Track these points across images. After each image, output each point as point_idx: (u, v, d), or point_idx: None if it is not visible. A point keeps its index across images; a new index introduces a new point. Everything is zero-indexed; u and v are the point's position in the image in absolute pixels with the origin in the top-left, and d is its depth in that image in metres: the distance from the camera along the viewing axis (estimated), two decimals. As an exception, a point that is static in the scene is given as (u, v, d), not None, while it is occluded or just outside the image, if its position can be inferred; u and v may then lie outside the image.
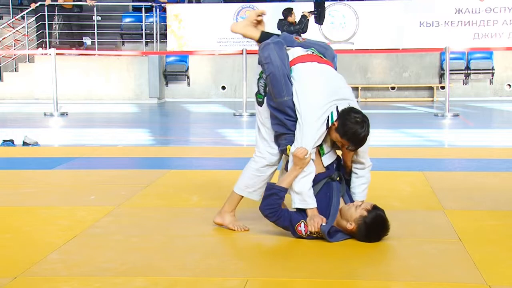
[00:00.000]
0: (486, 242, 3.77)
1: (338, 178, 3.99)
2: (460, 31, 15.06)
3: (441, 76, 15.12)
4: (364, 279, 3.22)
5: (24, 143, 8.08)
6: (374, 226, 3.76)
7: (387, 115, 12.53)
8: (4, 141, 8.11)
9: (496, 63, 15.27)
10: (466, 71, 15.35)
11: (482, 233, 3.95)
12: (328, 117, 3.81)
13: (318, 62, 3.94)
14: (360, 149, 3.97)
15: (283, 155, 4.04)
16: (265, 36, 4.04)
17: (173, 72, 15.97)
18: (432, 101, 15.08)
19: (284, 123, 3.87)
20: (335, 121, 3.80)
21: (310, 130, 3.79)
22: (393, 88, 15.40)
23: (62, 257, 3.57)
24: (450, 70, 12.54)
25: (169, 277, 3.26)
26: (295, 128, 3.85)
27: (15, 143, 8.10)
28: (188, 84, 15.90)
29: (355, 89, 15.26)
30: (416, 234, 3.95)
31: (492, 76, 15.32)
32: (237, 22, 4.20)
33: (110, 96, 15.42)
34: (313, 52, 4.00)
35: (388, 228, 3.80)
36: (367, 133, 3.87)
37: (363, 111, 3.94)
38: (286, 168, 4.00)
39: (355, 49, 15.30)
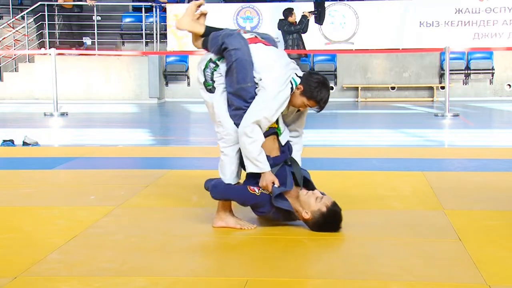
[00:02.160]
0: (486, 242, 3.77)
1: (289, 162, 4.14)
2: (460, 31, 15.06)
3: (441, 76, 15.12)
4: (364, 279, 3.22)
5: (24, 143, 8.08)
6: (330, 224, 3.94)
7: (387, 115, 12.53)
8: (4, 141, 8.11)
9: (496, 63, 15.27)
10: (466, 71, 15.35)
11: (482, 233, 3.95)
12: (290, 82, 3.99)
13: (264, 44, 4.13)
14: (302, 116, 4.22)
15: None
16: (209, 31, 4.15)
17: (173, 72, 15.97)
18: (432, 101, 15.08)
19: (242, 109, 3.97)
20: (299, 85, 3.99)
21: (273, 101, 3.92)
22: (393, 88, 15.40)
23: (62, 257, 3.57)
24: (450, 70, 12.54)
25: (169, 277, 3.26)
26: None
27: (15, 143, 8.10)
28: (188, 84, 15.90)
29: (355, 89, 15.27)
30: (416, 234, 3.95)
31: (492, 76, 15.32)
32: (181, 20, 4.20)
33: (110, 96, 15.42)
34: (256, 36, 4.17)
35: (340, 227, 3.96)
36: (329, 92, 4.10)
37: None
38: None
39: (355, 49, 15.30)
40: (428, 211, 4.53)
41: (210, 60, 4.08)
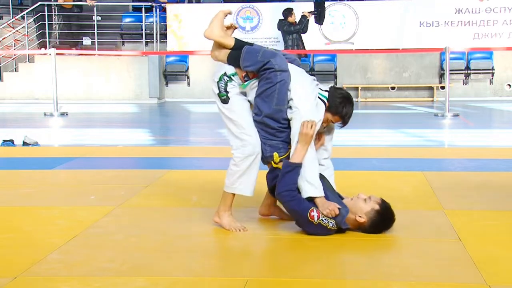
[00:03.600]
0: (486, 242, 3.77)
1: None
2: (460, 31, 15.06)
3: (441, 76, 15.12)
4: (364, 279, 3.22)
5: (24, 143, 8.08)
6: (386, 219, 3.90)
7: (387, 115, 12.53)
8: (4, 141, 8.11)
9: (496, 63, 15.27)
10: (466, 71, 15.35)
11: (482, 233, 3.96)
12: (319, 97, 4.00)
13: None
14: (329, 136, 4.19)
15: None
16: (239, 44, 4.07)
17: (173, 72, 15.97)
18: (432, 101, 15.08)
19: (275, 129, 3.97)
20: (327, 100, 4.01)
21: (309, 114, 3.91)
22: (393, 88, 15.40)
23: (62, 257, 3.57)
24: (450, 70, 12.54)
25: (169, 277, 3.26)
26: (282, 135, 3.99)
27: (15, 143, 8.10)
28: (188, 84, 15.90)
29: (355, 89, 15.27)
30: (416, 234, 3.95)
31: (492, 76, 15.32)
32: (212, 29, 4.09)
33: (110, 96, 15.42)
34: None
35: (395, 219, 3.95)
36: (353, 108, 4.12)
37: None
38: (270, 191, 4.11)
39: (355, 49, 15.30)
40: (428, 211, 4.53)
41: (225, 74, 4.04)
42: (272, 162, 4.02)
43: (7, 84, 15.59)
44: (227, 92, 4.03)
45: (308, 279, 3.23)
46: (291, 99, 3.94)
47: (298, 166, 3.86)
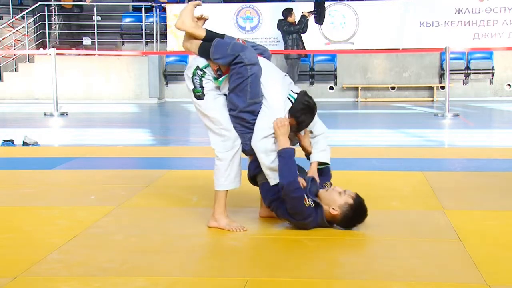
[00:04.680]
0: (486, 242, 3.77)
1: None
2: (460, 31, 15.06)
3: (441, 76, 15.12)
4: (364, 279, 3.22)
5: (24, 143, 8.08)
6: (358, 213, 3.94)
7: (387, 115, 12.53)
8: (4, 141, 8.11)
9: (496, 63, 15.27)
10: (466, 71, 15.35)
11: (482, 233, 3.96)
12: (288, 98, 4.03)
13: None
14: (311, 124, 4.18)
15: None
16: (210, 35, 4.09)
17: (173, 72, 15.97)
18: (432, 101, 15.08)
19: (251, 122, 4.00)
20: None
21: (278, 112, 3.96)
22: (393, 88, 15.40)
23: (62, 257, 3.57)
24: (450, 70, 12.53)
25: (169, 277, 3.26)
26: None
27: (15, 143, 8.10)
28: (188, 84, 15.89)
29: (355, 89, 15.28)
30: (416, 234, 3.95)
31: (492, 76, 15.31)
32: (183, 20, 4.10)
33: (110, 96, 15.42)
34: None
35: (367, 215, 3.98)
36: (312, 119, 4.10)
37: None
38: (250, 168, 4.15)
39: (355, 49, 15.30)
40: (428, 211, 4.53)
41: (197, 68, 4.05)
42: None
43: (7, 84, 15.60)
44: (203, 88, 4.05)
45: (308, 279, 3.23)
46: (264, 97, 3.99)
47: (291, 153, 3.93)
